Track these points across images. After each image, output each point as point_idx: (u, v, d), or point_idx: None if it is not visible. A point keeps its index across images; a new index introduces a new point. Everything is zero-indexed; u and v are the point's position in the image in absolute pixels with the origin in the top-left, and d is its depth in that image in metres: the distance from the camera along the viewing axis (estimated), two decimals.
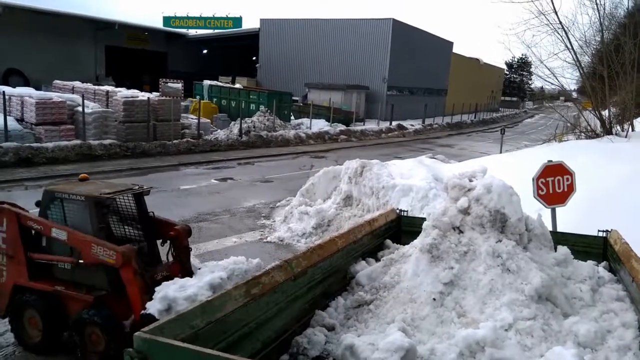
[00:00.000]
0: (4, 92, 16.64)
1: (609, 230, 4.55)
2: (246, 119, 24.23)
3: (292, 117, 29.25)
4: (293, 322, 3.40)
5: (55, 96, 18.11)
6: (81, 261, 5.07)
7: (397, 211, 5.50)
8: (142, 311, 4.34)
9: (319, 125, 28.25)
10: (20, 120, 17.14)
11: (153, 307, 4.09)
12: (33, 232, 5.45)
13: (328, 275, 3.91)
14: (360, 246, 4.51)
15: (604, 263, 4.33)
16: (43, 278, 5.34)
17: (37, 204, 5.49)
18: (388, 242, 4.96)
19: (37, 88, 22.17)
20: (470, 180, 4.10)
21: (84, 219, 5.19)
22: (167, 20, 47.91)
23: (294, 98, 31.70)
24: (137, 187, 5.70)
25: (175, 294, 4.25)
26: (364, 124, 33.06)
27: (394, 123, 34.08)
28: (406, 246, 4.39)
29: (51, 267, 5.38)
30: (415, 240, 4.18)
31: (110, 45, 36.65)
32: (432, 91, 47.31)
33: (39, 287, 5.29)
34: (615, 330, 3.34)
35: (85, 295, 5.12)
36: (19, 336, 5.47)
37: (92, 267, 5.08)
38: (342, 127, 29.39)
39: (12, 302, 5.42)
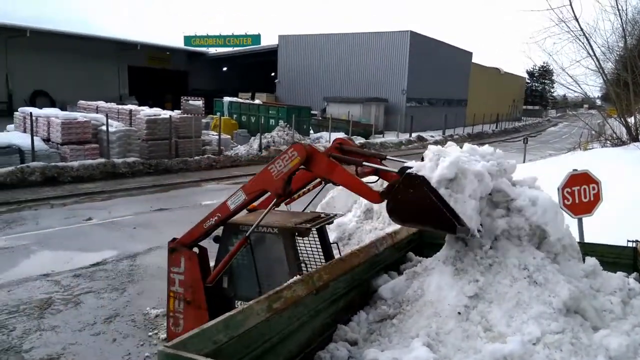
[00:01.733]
0: (31, 113, 17.14)
1: (639, 240, 4.42)
2: (266, 134, 24.43)
3: (312, 131, 29.41)
4: (315, 336, 3.36)
5: (80, 116, 18.59)
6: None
7: None
8: (409, 171, 3.38)
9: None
10: (46, 140, 17.61)
11: (427, 168, 3.12)
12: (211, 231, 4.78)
13: (350, 289, 3.88)
14: (382, 259, 4.46)
15: (634, 274, 4.19)
16: None
17: (216, 239, 4.85)
18: (410, 255, 4.90)
19: (63, 108, 22.81)
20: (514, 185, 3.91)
21: (277, 253, 4.56)
22: (187, 39, 48.91)
23: (312, 112, 31.91)
24: (323, 215, 5.02)
25: (462, 164, 3.17)
26: (383, 136, 33.01)
27: (414, 135, 33.97)
28: (429, 259, 4.33)
29: None
30: (438, 253, 4.12)
31: (132, 65, 37.58)
32: (452, 102, 47.07)
33: None
34: None
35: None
36: None
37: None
38: (361, 139, 29.42)
39: None
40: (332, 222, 5.12)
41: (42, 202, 13.20)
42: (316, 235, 5.11)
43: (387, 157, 4.56)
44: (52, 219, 11.65)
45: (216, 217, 4.61)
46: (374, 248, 4.35)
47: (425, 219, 3.34)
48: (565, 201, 5.90)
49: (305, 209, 5.34)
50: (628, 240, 4.50)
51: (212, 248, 4.97)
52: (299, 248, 5.00)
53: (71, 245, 9.81)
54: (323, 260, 5.15)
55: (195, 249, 4.83)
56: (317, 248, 5.20)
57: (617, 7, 14.49)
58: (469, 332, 3.36)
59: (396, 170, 3.85)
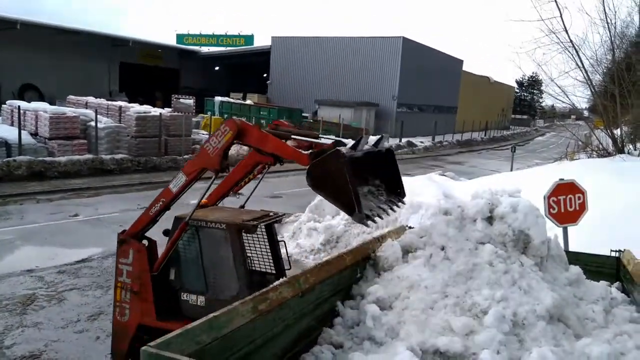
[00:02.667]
0: (19, 106, 16.94)
1: (622, 250, 4.48)
2: None
3: None
4: (300, 339, 3.36)
5: (69, 111, 18.40)
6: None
7: (407, 228, 5.46)
8: (339, 148, 4.02)
9: (329, 141, 28.32)
10: (34, 134, 17.41)
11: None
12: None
13: (336, 292, 3.88)
14: (369, 263, 4.47)
15: (617, 284, 4.25)
16: (171, 318, 4.60)
17: (166, 233, 4.87)
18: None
19: (52, 103, 22.57)
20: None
21: (224, 249, 4.69)
22: (180, 37, 48.68)
23: (304, 114, 31.93)
24: (272, 214, 5.13)
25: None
26: None
27: (404, 140, 34.08)
28: (414, 264, 4.35)
29: (180, 304, 4.80)
30: (422, 259, 4.14)
31: (124, 61, 37.30)
32: (442, 108, 47.34)
33: (169, 328, 4.02)
34: (630, 353, 3.26)
35: None
36: None
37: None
38: (351, 143, 29.43)
39: (134, 344, 4.67)
40: (280, 221, 5.31)
41: (27, 197, 13.04)
42: (264, 233, 5.26)
43: (320, 136, 5.12)
44: (37, 214, 11.52)
45: (161, 202, 4.80)
46: (361, 252, 4.36)
47: (333, 192, 3.82)
48: (551, 210, 5.96)
49: (246, 201, 5.43)
50: (611, 250, 4.55)
51: (162, 241, 4.97)
52: (246, 244, 5.07)
53: (56, 241, 9.70)
54: (270, 258, 5.31)
55: (145, 242, 4.92)
56: (265, 245, 5.34)
57: (606, 21, 14.67)
58: (453, 336, 3.39)
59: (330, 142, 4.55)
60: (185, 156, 19.83)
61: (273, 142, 4.45)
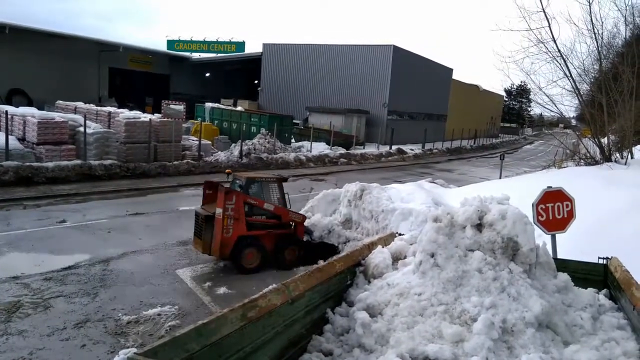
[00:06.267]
0: (6, 111, 16.76)
1: (609, 257, 4.52)
2: (247, 141, 24.35)
3: (293, 140, 29.39)
4: (290, 346, 3.34)
5: (57, 116, 18.24)
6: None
7: (397, 235, 5.48)
8: None
9: (319, 148, 28.36)
10: (21, 139, 17.23)
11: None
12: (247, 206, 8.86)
13: (326, 299, 3.87)
14: (359, 270, 4.46)
15: (604, 291, 4.28)
16: (253, 229, 8.89)
17: (240, 187, 9.15)
18: None
19: (40, 108, 22.37)
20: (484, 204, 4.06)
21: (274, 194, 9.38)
22: (171, 43, 48.58)
23: (294, 121, 31.92)
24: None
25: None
26: (364, 148, 33.18)
27: (394, 147, 34.22)
28: (403, 271, 4.35)
29: (253, 224, 8.95)
30: (410, 266, 4.15)
31: (114, 67, 37.10)
32: (432, 116, 47.66)
33: (255, 234, 8.88)
34: (617, 359, 3.29)
35: (285, 230, 9.29)
36: (240, 267, 8.74)
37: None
38: (342, 150, 29.50)
39: (236, 247, 8.61)
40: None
41: (14, 203, 12.88)
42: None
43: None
44: (24, 220, 11.37)
45: (255, 202, 9.10)
46: (350, 259, 4.36)
47: None
48: (540, 217, 6.00)
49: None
50: (599, 257, 4.59)
51: None
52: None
53: (43, 247, 9.58)
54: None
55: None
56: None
57: (593, 31, 14.88)
58: (442, 343, 3.38)
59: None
60: (175, 162, 19.72)
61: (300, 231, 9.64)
